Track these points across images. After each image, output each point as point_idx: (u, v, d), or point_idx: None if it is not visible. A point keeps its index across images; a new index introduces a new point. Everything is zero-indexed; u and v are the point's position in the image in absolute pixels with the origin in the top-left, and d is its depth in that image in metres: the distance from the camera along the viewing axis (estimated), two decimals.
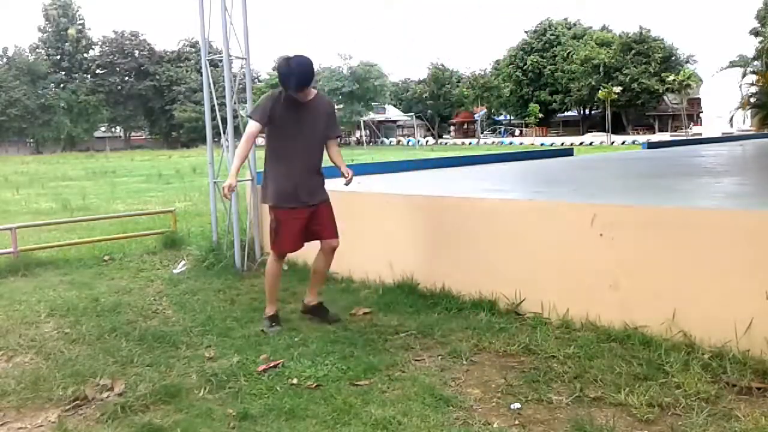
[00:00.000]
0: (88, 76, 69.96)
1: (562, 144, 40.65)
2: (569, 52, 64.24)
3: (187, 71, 69.05)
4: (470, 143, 56.55)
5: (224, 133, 5.93)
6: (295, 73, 3.89)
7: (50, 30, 69.37)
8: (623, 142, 46.56)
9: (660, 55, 57.99)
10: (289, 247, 4.23)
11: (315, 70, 4.11)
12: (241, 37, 6.02)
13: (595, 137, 52.92)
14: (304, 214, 4.09)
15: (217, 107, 6.08)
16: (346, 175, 4.17)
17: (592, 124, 65.48)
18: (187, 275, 5.74)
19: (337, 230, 4.21)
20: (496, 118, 74.31)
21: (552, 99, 66.51)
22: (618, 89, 55.05)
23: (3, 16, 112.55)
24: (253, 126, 4.06)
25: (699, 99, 62.54)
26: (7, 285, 5.65)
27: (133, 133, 76.40)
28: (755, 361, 3.13)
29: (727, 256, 3.34)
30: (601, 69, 59.13)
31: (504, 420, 2.80)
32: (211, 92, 6.01)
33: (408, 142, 61.93)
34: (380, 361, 3.47)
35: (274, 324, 4.14)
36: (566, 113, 69.52)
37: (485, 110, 67.24)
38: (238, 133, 6.07)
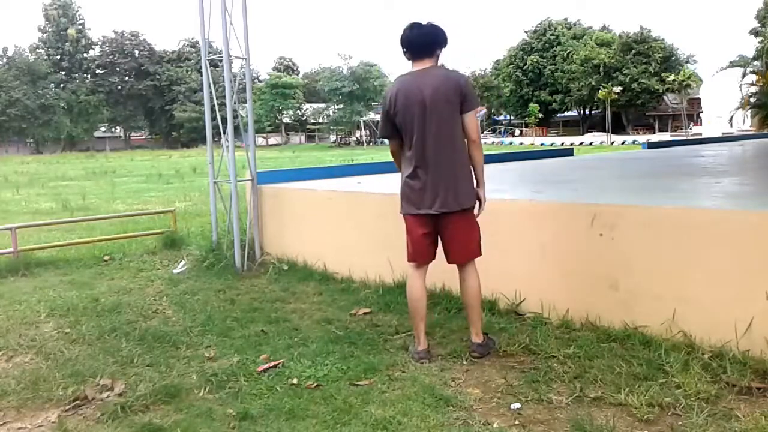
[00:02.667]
0: (88, 76, 70.09)
1: (562, 144, 40.75)
2: (569, 52, 64.20)
3: (187, 71, 69.15)
4: None
5: (224, 133, 5.92)
6: None
7: (50, 30, 69.49)
8: (623, 142, 46.60)
9: (660, 55, 57.98)
10: None
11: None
12: (241, 37, 6.03)
13: (595, 137, 52.92)
14: None
15: (217, 107, 6.08)
16: None
17: (592, 124, 65.47)
18: (187, 275, 5.74)
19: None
20: (496, 118, 74.21)
21: (552, 99, 66.45)
22: (618, 89, 55.03)
23: (3, 16, 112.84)
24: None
25: (699, 99, 62.54)
26: (7, 285, 5.65)
27: (133, 133, 76.52)
28: (755, 361, 3.12)
29: (727, 256, 3.34)
30: (601, 69, 59.10)
31: (504, 420, 2.80)
32: (211, 92, 6.01)
33: None
34: (380, 361, 3.47)
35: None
36: (566, 113, 69.47)
37: (485, 110, 67.09)
38: (238, 133, 6.09)
